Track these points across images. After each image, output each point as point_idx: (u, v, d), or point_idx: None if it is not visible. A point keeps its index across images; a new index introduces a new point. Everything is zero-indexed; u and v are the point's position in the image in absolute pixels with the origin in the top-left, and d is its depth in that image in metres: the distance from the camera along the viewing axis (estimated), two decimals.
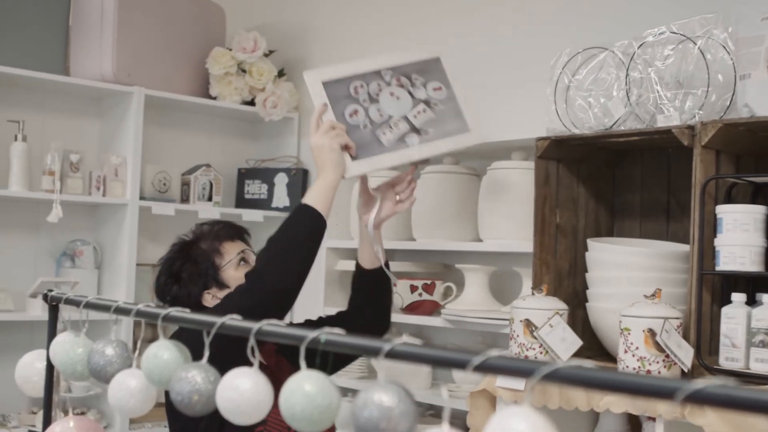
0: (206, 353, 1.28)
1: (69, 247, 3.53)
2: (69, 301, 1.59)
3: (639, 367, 2.13)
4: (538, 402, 2.25)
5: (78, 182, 3.38)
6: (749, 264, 2.14)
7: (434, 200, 3.00)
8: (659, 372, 2.13)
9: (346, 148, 2.20)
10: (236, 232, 2.34)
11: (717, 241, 2.19)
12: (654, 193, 2.69)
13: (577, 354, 2.33)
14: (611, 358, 2.45)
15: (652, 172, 2.69)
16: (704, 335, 2.20)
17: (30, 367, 1.70)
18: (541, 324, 2.32)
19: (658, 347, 2.11)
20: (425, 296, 2.95)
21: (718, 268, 2.18)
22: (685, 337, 2.17)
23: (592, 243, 2.49)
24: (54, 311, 1.67)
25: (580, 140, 2.50)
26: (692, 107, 2.28)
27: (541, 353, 2.33)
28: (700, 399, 0.73)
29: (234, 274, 2.25)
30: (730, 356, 2.13)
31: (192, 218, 3.76)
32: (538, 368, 0.85)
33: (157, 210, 3.51)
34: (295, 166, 3.86)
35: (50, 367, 1.67)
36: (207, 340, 1.26)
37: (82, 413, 3.43)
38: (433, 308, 2.98)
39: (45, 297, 1.67)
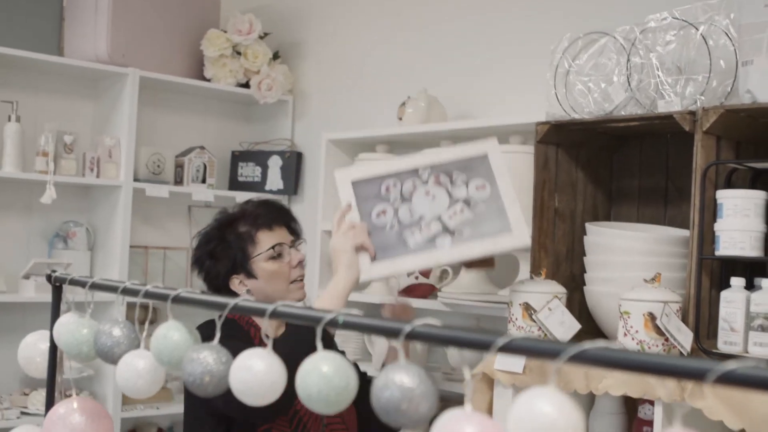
0: (218, 334, 1.27)
1: (62, 228, 3.52)
2: (74, 282, 1.58)
3: (638, 350, 2.13)
4: (536, 383, 2.26)
5: (72, 163, 3.36)
6: (749, 249, 2.15)
7: None
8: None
9: (363, 248, 2.06)
10: (276, 219, 2.28)
11: (717, 226, 2.19)
12: (652, 179, 2.69)
13: (575, 338, 2.34)
14: (609, 342, 2.46)
15: (650, 157, 2.70)
16: (703, 319, 2.21)
17: (33, 348, 1.69)
18: (540, 307, 2.33)
19: (658, 331, 2.12)
20: (421, 279, 2.96)
21: (717, 253, 2.19)
22: (684, 321, 2.18)
23: (591, 227, 2.49)
24: (57, 292, 1.66)
25: (580, 125, 2.51)
26: (693, 93, 2.28)
27: (540, 336, 2.34)
28: (731, 380, 0.73)
29: (264, 266, 2.21)
30: (729, 340, 2.14)
31: (185, 200, 3.76)
32: (565, 349, 0.85)
33: (151, 192, 3.50)
34: (289, 149, 3.85)
35: (53, 348, 1.66)
36: (219, 322, 1.26)
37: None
38: (429, 291, 2.99)
39: (48, 277, 1.66)
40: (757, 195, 2.16)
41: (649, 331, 2.13)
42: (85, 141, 3.54)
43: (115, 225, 3.44)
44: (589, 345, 0.85)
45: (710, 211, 2.22)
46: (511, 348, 0.90)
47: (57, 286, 1.66)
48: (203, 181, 3.70)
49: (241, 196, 3.73)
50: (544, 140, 2.55)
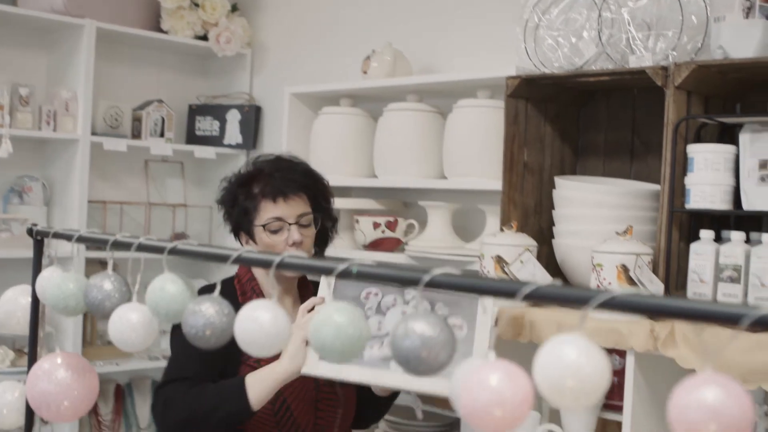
0: (218, 288, 1.27)
1: (17, 183, 3.44)
2: (58, 236, 1.55)
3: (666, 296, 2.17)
4: (508, 335, 2.29)
5: (28, 117, 3.28)
6: (719, 202, 2.19)
7: (397, 138, 2.99)
8: None
9: None
10: (288, 189, 2.16)
11: (687, 180, 2.23)
12: (618, 133, 2.72)
13: None
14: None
15: (616, 112, 2.73)
16: (672, 271, 2.25)
17: (14, 303, 1.66)
18: (512, 260, 2.35)
19: (631, 282, 2.15)
20: (388, 233, 2.96)
21: (688, 206, 2.23)
22: (654, 273, 2.22)
23: (561, 181, 2.52)
24: (39, 246, 1.63)
25: (551, 79, 2.52)
26: (664, 49, 2.30)
27: None
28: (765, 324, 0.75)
29: (262, 236, 2.15)
30: (698, 291, 2.19)
31: (144, 154, 3.70)
32: (595, 296, 0.86)
33: (109, 146, 3.43)
34: (248, 103, 3.80)
35: (36, 303, 1.63)
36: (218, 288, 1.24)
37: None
38: (395, 245, 3.00)
39: (30, 231, 1.62)
40: (727, 149, 2.20)
41: (621, 283, 2.16)
42: (40, 94, 3.45)
43: (73, 179, 3.37)
44: (618, 292, 0.86)
45: (680, 166, 2.26)
46: (536, 296, 0.91)
47: (38, 240, 1.63)
48: (161, 135, 3.65)
49: (200, 151, 3.70)
50: (515, 94, 2.55)
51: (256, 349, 1.18)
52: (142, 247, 1.37)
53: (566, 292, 0.90)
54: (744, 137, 2.19)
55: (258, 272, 2.23)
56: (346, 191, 3.36)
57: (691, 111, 2.29)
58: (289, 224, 2.15)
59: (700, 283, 2.19)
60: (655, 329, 2.09)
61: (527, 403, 0.91)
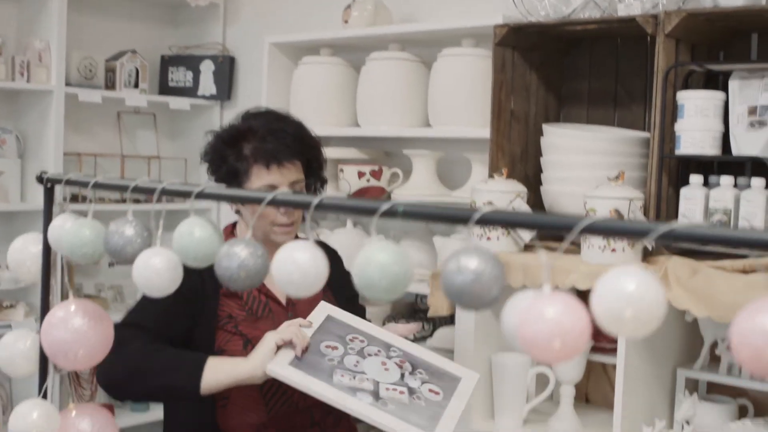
0: (250, 231, 1.27)
1: None
2: (72, 182, 1.54)
3: (605, 245, 2.22)
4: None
5: (0, 68, 3.21)
6: (709, 148, 2.24)
7: (380, 87, 2.99)
8: (623, 250, 2.22)
9: (291, 345, 1.92)
10: (283, 155, 2.04)
11: (677, 126, 2.27)
12: (602, 82, 2.75)
13: (539, 235, 2.40)
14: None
15: (600, 61, 2.75)
16: (662, 216, 2.30)
17: (23, 252, 1.65)
18: (504, 206, 2.38)
19: None
20: (373, 182, 2.97)
21: (678, 152, 2.27)
22: (645, 217, 2.27)
23: (550, 128, 2.55)
24: (50, 193, 1.61)
25: (538, 28, 2.53)
26: None
27: (504, 234, 2.39)
28: None
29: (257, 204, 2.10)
30: None
31: (118, 105, 3.65)
32: (655, 228, 0.88)
33: (84, 97, 3.38)
34: (221, 54, 3.76)
35: (47, 251, 1.62)
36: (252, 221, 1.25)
37: (11, 306, 3.34)
38: (380, 194, 3.01)
39: (40, 179, 1.61)
40: (717, 96, 2.24)
41: None
42: (11, 45, 3.38)
43: (47, 131, 3.32)
44: (677, 224, 0.89)
45: (669, 113, 2.29)
46: (593, 230, 0.93)
47: (49, 187, 1.61)
48: (136, 86, 3.60)
49: (175, 102, 3.66)
50: (502, 43, 2.57)
51: (294, 289, 1.19)
52: (165, 192, 1.36)
53: (623, 225, 0.93)
54: (733, 84, 2.23)
55: (244, 231, 2.14)
56: (329, 140, 3.35)
57: (679, 58, 2.32)
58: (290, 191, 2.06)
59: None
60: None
61: (586, 333, 0.93)
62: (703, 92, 2.25)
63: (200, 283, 2.02)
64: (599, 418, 2.59)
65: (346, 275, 2.28)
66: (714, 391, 2.46)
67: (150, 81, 3.75)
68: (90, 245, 1.48)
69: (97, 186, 1.48)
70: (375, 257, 1.08)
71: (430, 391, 1.99)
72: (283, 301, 2.13)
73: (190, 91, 3.78)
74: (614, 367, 2.67)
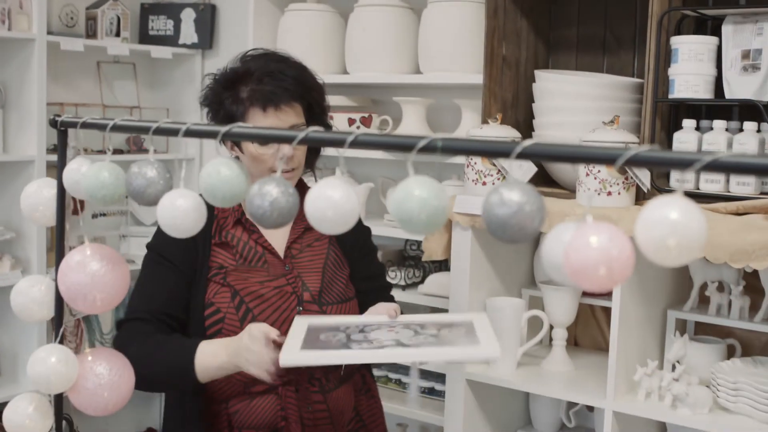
0: (279, 172, 1.28)
1: None
2: (89, 125, 1.53)
3: (600, 189, 2.26)
4: None
5: None
6: (702, 92, 2.27)
7: (369, 34, 2.99)
8: (618, 193, 2.27)
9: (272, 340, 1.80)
10: (280, 98, 1.95)
11: (671, 71, 2.30)
12: (590, 28, 2.77)
13: (533, 180, 2.44)
14: (556, 184, 2.58)
15: (588, 7, 2.77)
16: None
17: (36, 196, 1.64)
18: None
19: (621, 170, 2.24)
20: (363, 129, 2.98)
21: (672, 96, 2.30)
22: None
23: (544, 74, 2.57)
24: (63, 137, 1.61)
25: None
26: None
27: (498, 179, 2.42)
28: None
29: (249, 147, 1.95)
30: (681, 178, 2.29)
31: (99, 55, 3.61)
32: (701, 158, 0.91)
33: (66, 45, 3.33)
34: (203, 1, 3.73)
35: (62, 195, 1.62)
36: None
37: None
38: None
39: (53, 122, 1.60)
40: (710, 40, 2.27)
41: (611, 170, 2.24)
42: None
43: (29, 81, 3.27)
44: (721, 153, 0.91)
45: (662, 58, 2.32)
46: (637, 160, 0.96)
47: (62, 130, 1.60)
48: (117, 34, 3.56)
49: (157, 51, 3.63)
50: None
51: (328, 226, 1.21)
52: (189, 132, 1.36)
53: (669, 156, 0.95)
54: (727, 29, 2.26)
55: None
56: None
57: (672, 4, 2.35)
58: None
59: (683, 171, 2.29)
60: None
61: (631, 261, 0.96)
62: (697, 37, 2.28)
63: (190, 242, 1.95)
64: (590, 360, 2.66)
65: (362, 233, 2.21)
66: (702, 331, 2.53)
67: (131, 30, 3.70)
68: (111, 186, 1.48)
69: (116, 128, 1.47)
70: (414, 192, 1.10)
71: (450, 330, 1.86)
72: (281, 253, 2.04)
73: (170, 40, 3.75)
74: (603, 309, 2.73)
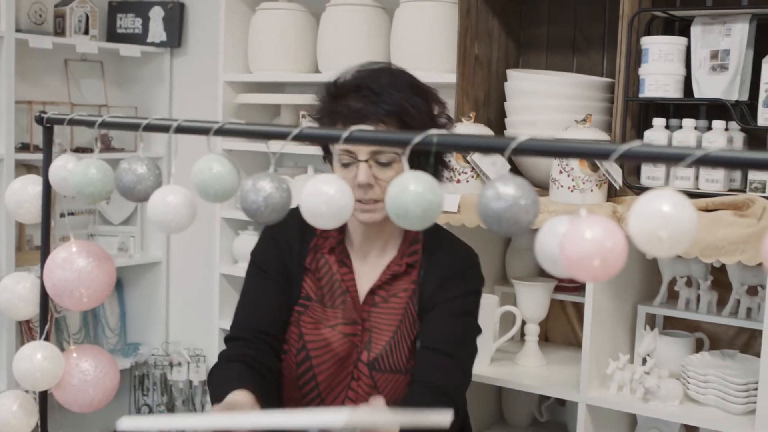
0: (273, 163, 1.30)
1: None
2: (76, 122, 1.54)
3: (573, 186, 2.30)
4: (470, 222, 2.40)
5: None
6: (672, 91, 2.33)
7: (341, 33, 3.01)
8: (591, 191, 2.31)
9: None
10: (368, 117, 1.76)
11: (642, 70, 2.36)
12: (560, 28, 2.82)
13: None
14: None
15: (558, 7, 2.82)
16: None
17: (22, 193, 1.64)
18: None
19: (593, 167, 2.28)
20: (358, 126, 2.99)
21: (642, 95, 2.36)
22: None
23: (516, 73, 2.61)
24: (49, 133, 1.61)
25: None
26: None
27: (473, 176, 2.46)
28: None
29: (336, 165, 1.83)
30: (652, 176, 2.34)
31: (68, 52, 3.59)
32: (691, 153, 0.95)
33: (35, 43, 3.31)
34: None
35: (48, 191, 1.62)
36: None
37: None
38: None
39: (39, 119, 1.60)
40: (680, 41, 2.33)
41: (584, 168, 2.29)
42: None
43: None
44: (712, 149, 0.95)
45: (633, 57, 2.38)
46: (632, 155, 0.99)
47: (48, 127, 1.61)
48: (86, 32, 3.54)
49: (125, 49, 3.62)
50: None
51: (324, 221, 1.23)
52: (181, 129, 1.38)
53: (661, 151, 0.99)
54: (695, 29, 2.32)
55: None
56: (289, 87, 3.37)
57: (642, 5, 2.40)
58: (362, 161, 1.77)
59: (654, 168, 2.34)
60: (618, 210, 2.24)
61: (624, 253, 1.00)
62: (666, 37, 2.34)
63: (288, 257, 1.92)
64: (562, 355, 2.71)
65: (453, 278, 1.85)
66: (671, 326, 2.59)
67: (99, 28, 3.68)
68: (98, 184, 1.49)
69: (105, 125, 1.48)
70: (410, 187, 1.13)
71: None
72: (363, 295, 1.89)
73: (139, 38, 3.73)
74: (574, 305, 2.78)
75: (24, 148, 3.35)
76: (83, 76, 3.77)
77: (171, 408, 3.54)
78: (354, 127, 1.21)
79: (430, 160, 1.80)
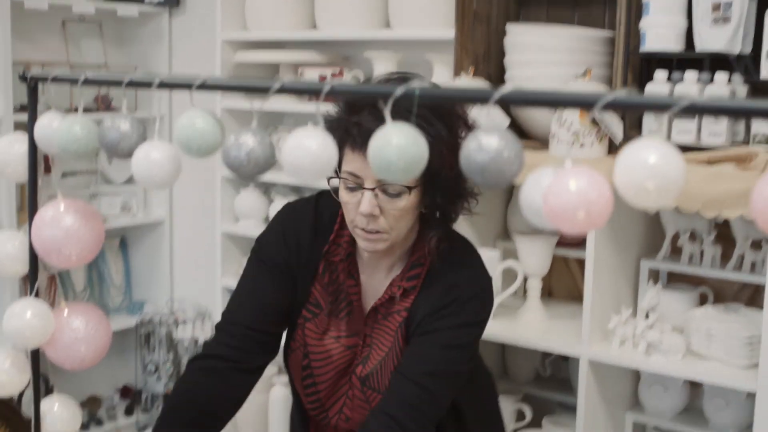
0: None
1: None
2: (60, 80, 1.51)
3: (573, 140, 2.27)
4: None
5: None
6: (674, 44, 2.28)
7: None
8: (591, 144, 2.28)
9: None
10: (364, 140, 1.53)
11: (642, 23, 2.31)
12: None
13: None
14: (528, 137, 2.58)
15: None
16: (628, 112, 2.35)
17: (8, 152, 1.62)
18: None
19: (593, 121, 2.25)
20: (338, 79, 2.96)
21: (643, 49, 2.31)
22: None
23: (514, 27, 2.56)
24: (34, 93, 1.59)
25: None
26: None
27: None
28: None
29: (342, 187, 1.71)
30: (653, 129, 2.30)
31: (65, 13, 3.55)
32: (678, 102, 0.92)
33: (30, 4, 3.28)
34: None
35: (33, 150, 1.60)
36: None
37: None
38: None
39: (23, 77, 1.57)
40: None
41: (583, 122, 2.25)
42: None
43: None
44: (699, 99, 0.92)
45: (633, 10, 2.33)
46: (617, 104, 0.96)
47: (33, 86, 1.58)
48: None
49: (123, 8, 3.58)
50: None
51: (306, 175, 1.21)
52: (163, 85, 1.35)
53: (647, 100, 0.96)
54: None
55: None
56: (287, 44, 3.33)
57: None
58: (366, 188, 1.67)
59: (655, 121, 2.30)
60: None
61: (610, 204, 0.97)
62: None
63: (295, 257, 1.86)
64: (565, 310, 2.69)
65: (442, 309, 1.76)
66: (675, 281, 2.56)
67: None
68: (84, 140, 1.47)
69: (87, 83, 1.46)
70: (393, 139, 1.10)
71: None
72: (367, 309, 1.86)
73: None
74: (576, 260, 2.76)
75: (24, 108, 3.32)
76: (82, 37, 3.74)
77: (177, 365, 3.55)
78: (333, 80, 1.18)
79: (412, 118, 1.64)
